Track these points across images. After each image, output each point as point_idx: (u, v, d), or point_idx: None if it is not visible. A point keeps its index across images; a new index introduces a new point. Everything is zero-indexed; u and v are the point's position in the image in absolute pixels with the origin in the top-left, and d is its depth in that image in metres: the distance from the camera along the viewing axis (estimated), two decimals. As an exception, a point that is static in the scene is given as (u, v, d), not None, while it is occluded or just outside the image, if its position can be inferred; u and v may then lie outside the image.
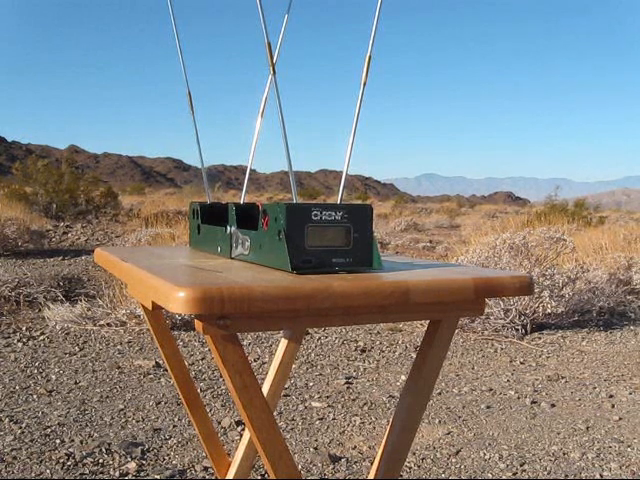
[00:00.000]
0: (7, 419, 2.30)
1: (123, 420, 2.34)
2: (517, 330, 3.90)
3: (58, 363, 3.06)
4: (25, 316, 3.98)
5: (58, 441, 2.12)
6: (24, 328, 3.68)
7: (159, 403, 2.53)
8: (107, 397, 2.59)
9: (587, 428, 2.42)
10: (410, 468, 2.04)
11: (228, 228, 0.92)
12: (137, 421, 2.34)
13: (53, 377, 2.84)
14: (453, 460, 2.11)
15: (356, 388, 2.83)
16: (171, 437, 2.20)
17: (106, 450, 2.05)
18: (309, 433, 2.31)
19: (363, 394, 2.75)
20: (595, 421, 2.49)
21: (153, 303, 0.70)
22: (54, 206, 10.52)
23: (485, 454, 2.16)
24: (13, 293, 4.30)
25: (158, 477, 1.90)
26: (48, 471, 1.90)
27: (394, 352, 3.47)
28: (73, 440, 2.13)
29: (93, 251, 1.13)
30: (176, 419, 2.37)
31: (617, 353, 3.58)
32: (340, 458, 2.09)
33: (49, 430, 2.21)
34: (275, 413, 2.34)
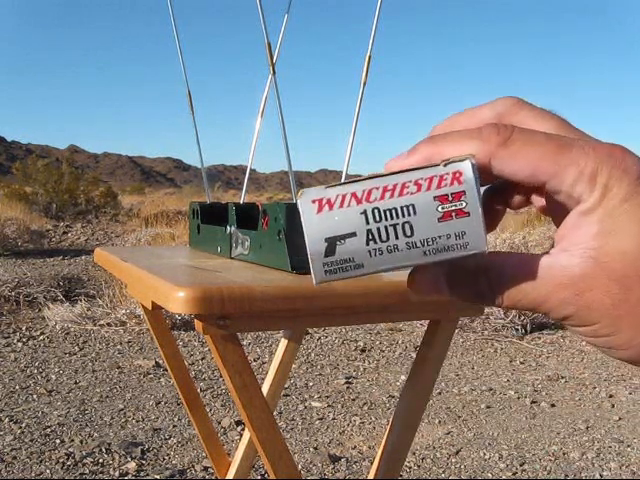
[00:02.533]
0: (7, 419, 2.30)
1: (123, 420, 2.34)
2: (517, 330, 3.91)
3: (58, 363, 3.06)
4: (25, 316, 3.98)
5: (58, 441, 2.12)
6: (24, 328, 3.68)
7: (159, 403, 2.53)
8: (107, 397, 2.59)
9: (587, 428, 2.42)
10: (410, 468, 2.04)
11: (228, 228, 0.92)
12: (137, 421, 2.34)
13: (53, 377, 2.84)
14: (453, 460, 2.11)
15: (356, 388, 2.83)
16: (171, 437, 2.20)
17: (106, 450, 2.05)
18: (309, 433, 2.31)
19: (363, 394, 2.75)
20: (595, 421, 2.50)
21: (153, 303, 0.70)
22: (54, 206, 10.52)
23: (485, 454, 2.16)
24: (13, 293, 4.30)
25: (158, 477, 1.90)
26: (48, 471, 1.90)
27: (394, 352, 3.47)
28: (73, 440, 2.14)
29: (93, 251, 1.13)
30: (176, 419, 2.37)
31: (617, 353, 3.58)
32: (340, 458, 2.09)
33: (49, 430, 2.21)
34: (275, 413, 2.34)
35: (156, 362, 3.04)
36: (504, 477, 2.01)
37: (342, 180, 0.86)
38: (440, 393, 2.79)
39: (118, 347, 3.37)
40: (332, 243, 0.26)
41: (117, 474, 1.90)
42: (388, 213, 0.25)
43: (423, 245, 0.25)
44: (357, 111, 0.82)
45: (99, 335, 3.60)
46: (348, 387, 2.83)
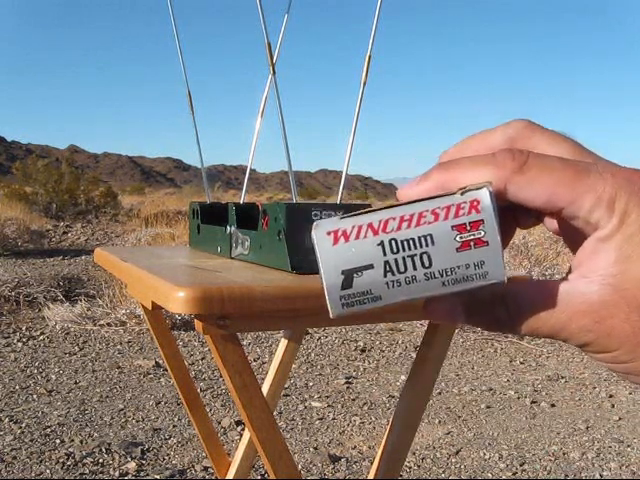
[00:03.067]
0: (7, 419, 2.30)
1: (123, 420, 2.34)
2: (517, 330, 3.90)
3: (58, 363, 3.06)
4: (25, 316, 3.98)
5: (58, 441, 2.12)
6: (24, 328, 3.68)
7: (159, 403, 2.53)
8: (107, 397, 2.59)
9: (587, 428, 2.42)
10: (410, 468, 2.05)
11: (228, 228, 0.92)
12: (137, 421, 2.34)
13: (53, 377, 2.84)
14: (453, 460, 2.11)
15: (356, 388, 2.83)
16: (171, 437, 2.20)
17: (106, 450, 2.05)
18: (309, 433, 2.31)
19: (363, 394, 2.75)
20: (595, 421, 2.50)
21: (153, 303, 0.70)
22: (54, 206, 10.52)
23: (485, 454, 2.16)
24: (13, 293, 4.30)
25: (158, 477, 1.90)
26: (48, 471, 1.90)
27: (394, 352, 3.47)
28: (73, 440, 2.14)
29: (93, 251, 1.13)
30: (176, 419, 2.37)
31: (617, 353, 3.57)
32: (340, 458, 2.09)
33: (49, 430, 2.21)
34: (275, 413, 2.34)
35: (156, 362, 3.04)
36: (504, 477, 2.01)
37: (342, 180, 0.86)
38: (440, 393, 2.79)
39: (118, 347, 3.37)
40: (349, 275, 0.25)
41: (117, 474, 1.90)
42: (406, 244, 0.25)
43: (442, 276, 0.25)
44: (357, 111, 0.82)
45: (99, 335, 3.60)
46: (348, 387, 2.83)
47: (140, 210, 11.24)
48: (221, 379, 2.86)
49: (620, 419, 2.52)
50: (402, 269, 0.25)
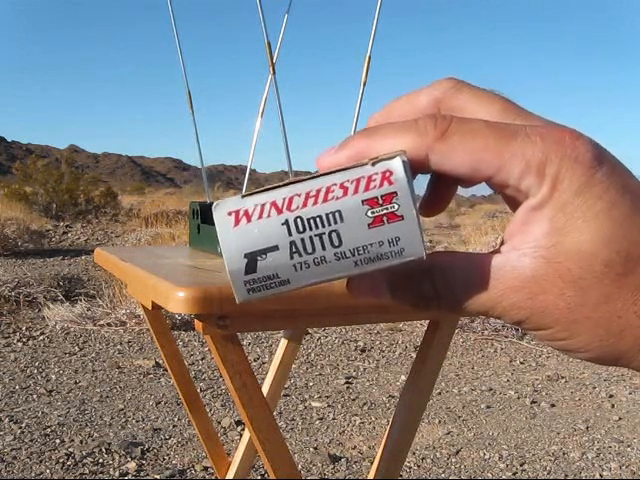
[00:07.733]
0: (7, 419, 2.30)
1: (123, 420, 2.34)
2: (517, 330, 3.91)
3: (58, 363, 3.06)
4: (25, 316, 3.98)
5: (58, 441, 2.12)
6: (24, 328, 3.68)
7: (159, 403, 2.53)
8: (107, 397, 2.59)
9: (587, 428, 2.42)
10: (410, 468, 2.05)
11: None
12: (137, 421, 2.34)
13: (53, 377, 2.84)
14: (453, 460, 2.11)
15: (356, 388, 2.83)
16: (171, 437, 2.20)
17: (106, 450, 2.05)
18: (309, 433, 2.31)
19: (363, 394, 2.75)
20: (595, 421, 2.50)
21: (153, 303, 0.70)
22: (54, 206, 10.52)
23: (485, 454, 2.16)
24: (13, 293, 4.30)
25: (158, 477, 1.90)
26: (48, 471, 1.90)
27: (394, 352, 3.47)
28: (73, 440, 2.14)
29: (93, 251, 1.13)
30: (176, 419, 2.37)
31: (617, 353, 3.57)
32: (340, 458, 2.09)
33: (49, 430, 2.21)
34: (275, 413, 2.34)
35: (156, 362, 3.04)
36: (504, 477, 2.01)
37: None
38: (440, 393, 2.79)
39: (118, 347, 3.37)
40: (252, 259, 0.23)
41: (117, 474, 1.90)
42: (312, 222, 0.23)
43: (354, 255, 0.23)
44: (357, 111, 0.82)
45: (99, 335, 3.60)
46: (348, 387, 2.83)
47: (140, 210, 11.23)
48: (221, 379, 2.86)
49: (620, 419, 2.52)
50: (310, 249, 0.23)
